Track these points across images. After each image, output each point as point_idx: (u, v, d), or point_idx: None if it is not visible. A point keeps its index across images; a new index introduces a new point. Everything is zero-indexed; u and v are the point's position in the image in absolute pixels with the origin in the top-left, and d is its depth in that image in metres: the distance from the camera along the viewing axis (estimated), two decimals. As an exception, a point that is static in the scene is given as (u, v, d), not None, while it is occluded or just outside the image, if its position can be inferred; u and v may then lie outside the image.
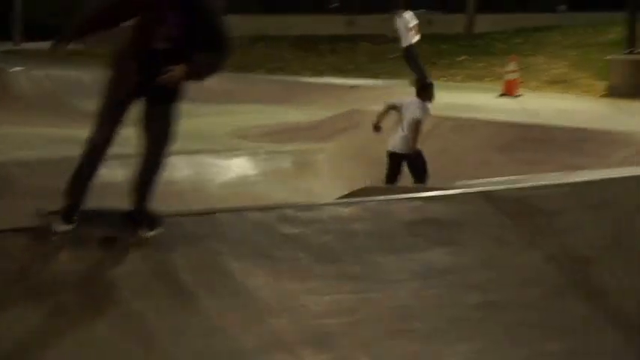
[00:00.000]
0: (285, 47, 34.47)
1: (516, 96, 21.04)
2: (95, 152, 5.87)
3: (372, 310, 6.03)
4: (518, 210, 7.60)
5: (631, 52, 22.22)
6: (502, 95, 21.23)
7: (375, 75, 27.64)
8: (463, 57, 29.65)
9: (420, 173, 12.23)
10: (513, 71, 21.73)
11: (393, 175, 12.28)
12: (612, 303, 7.07)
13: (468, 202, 7.52)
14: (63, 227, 5.78)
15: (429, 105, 12.56)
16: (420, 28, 22.13)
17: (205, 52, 5.85)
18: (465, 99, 19.67)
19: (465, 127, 15.16)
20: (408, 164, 12.32)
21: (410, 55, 22.04)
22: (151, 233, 5.94)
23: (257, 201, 10.86)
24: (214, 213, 6.58)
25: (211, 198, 12.35)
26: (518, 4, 43.48)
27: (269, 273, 6.03)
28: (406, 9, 22.21)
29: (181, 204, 11.23)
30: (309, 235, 6.47)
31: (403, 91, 17.96)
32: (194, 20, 5.83)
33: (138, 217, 5.99)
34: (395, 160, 12.33)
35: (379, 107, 12.89)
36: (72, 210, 5.84)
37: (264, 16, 42.98)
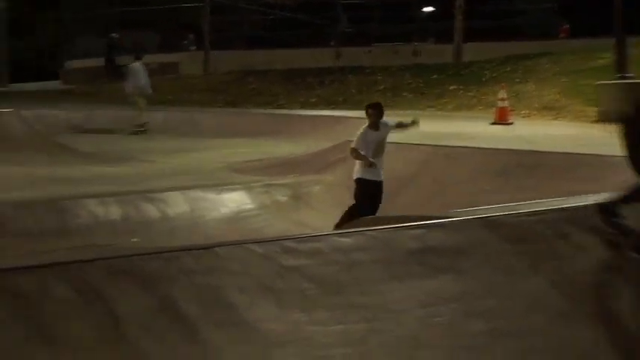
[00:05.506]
0: (274, 81, 34.60)
1: (508, 123, 21.09)
2: None
3: (380, 339, 5.96)
4: (518, 236, 7.55)
5: (621, 77, 22.22)
6: (494, 123, 21.27)
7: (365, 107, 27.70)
8: (453, 86, 29.73)
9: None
10: (504, 99, 21.79)
11: None
12: (618, 327, 7.04)
13: (468, 230, 7.47)
14: None
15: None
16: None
17: None
18: (458, 128, 19.71)
19: (458, 155, 15.15)
20: None
21: None
22: None
23: (255, 234, 10.79)
24: (214, 247, 6.51)
25: (208, 232, 12.28)
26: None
27: (273, 304, 5.96)
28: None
29: (179, 239, 11.19)
30: (312, 266, 6.40)
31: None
32: None
33: None
34: None
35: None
36: None
37: (250, 52, 43.32)
